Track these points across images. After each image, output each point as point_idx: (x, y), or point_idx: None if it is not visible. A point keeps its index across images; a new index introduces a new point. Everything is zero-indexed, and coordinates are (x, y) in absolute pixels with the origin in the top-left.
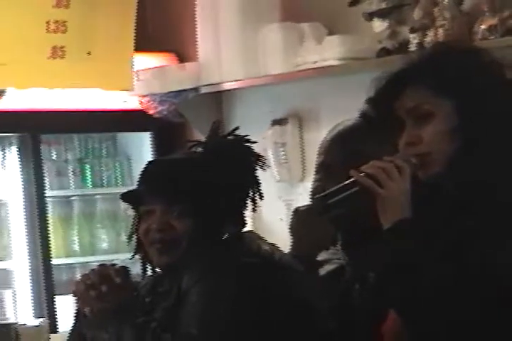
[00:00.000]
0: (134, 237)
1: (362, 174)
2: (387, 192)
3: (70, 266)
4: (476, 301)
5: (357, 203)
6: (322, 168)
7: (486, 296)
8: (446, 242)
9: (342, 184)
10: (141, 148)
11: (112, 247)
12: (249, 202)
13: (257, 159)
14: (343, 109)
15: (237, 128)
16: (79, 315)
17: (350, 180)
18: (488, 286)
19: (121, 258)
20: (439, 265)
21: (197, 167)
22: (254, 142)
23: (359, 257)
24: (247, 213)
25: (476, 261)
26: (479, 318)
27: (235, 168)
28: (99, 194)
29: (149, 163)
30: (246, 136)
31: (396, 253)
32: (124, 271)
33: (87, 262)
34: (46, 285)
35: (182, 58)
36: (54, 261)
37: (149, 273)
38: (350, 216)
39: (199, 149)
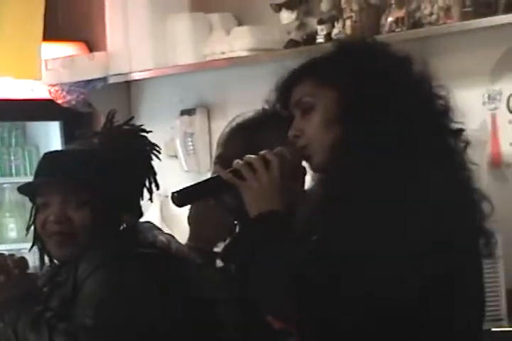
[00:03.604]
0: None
1: (228, 170)
2: (249, 184)
3: None
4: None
5: (221, 195)
6: (219, 161)
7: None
8: (314, 233)
9: (204, 179)
10: (50, 137)
11: (21, 236)
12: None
13: (153, 149)
14: (251, 99)
15: (132, 118)
16: None
17: (214, 175)
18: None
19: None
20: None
21: (92, 157)
22: (149, 132)
23: None
24: (155, 203)
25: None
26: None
27: (130, 157)
28: (7, 183)
29: (45, 154)
30: (141, 125)
31: (251, 244)
32: (22, 261)
33: None
34: None
35: (91, 47)
36: None
37: (47, 264)
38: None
39: (95, 140)
